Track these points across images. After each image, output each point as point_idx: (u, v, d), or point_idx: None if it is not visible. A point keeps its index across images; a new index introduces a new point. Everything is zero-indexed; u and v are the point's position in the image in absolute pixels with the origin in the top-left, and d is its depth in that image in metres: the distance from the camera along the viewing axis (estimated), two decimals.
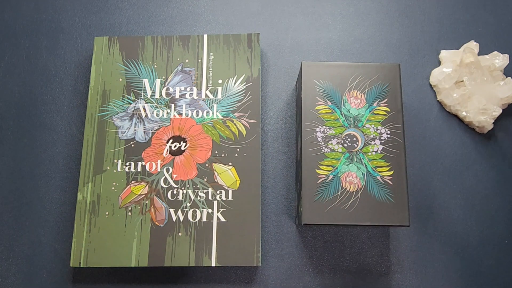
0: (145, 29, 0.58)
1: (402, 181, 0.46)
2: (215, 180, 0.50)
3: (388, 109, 0.48)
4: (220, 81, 0.53)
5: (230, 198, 0.49)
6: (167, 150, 0.51)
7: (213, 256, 0.48)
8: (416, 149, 0.54)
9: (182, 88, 0.53)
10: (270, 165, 0.53)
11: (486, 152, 0.54)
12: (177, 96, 0.53)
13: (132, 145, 0.51)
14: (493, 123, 0.54)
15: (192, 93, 0.53)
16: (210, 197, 0.49)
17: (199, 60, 0.54)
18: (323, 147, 0.47)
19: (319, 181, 0.46)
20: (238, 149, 0.51)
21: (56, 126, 0.55)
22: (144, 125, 0.52)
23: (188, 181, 0.50)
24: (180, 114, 0.52)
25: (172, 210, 0.49)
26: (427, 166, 0.53)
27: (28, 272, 0.50)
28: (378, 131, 0.47)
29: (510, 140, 0.54)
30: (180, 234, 0.48)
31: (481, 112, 0.53)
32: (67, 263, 0.50)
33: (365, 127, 0.47)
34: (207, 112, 0.52)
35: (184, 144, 0.51)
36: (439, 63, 0.57)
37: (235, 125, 0.52)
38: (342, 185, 0.45)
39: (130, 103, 0.53)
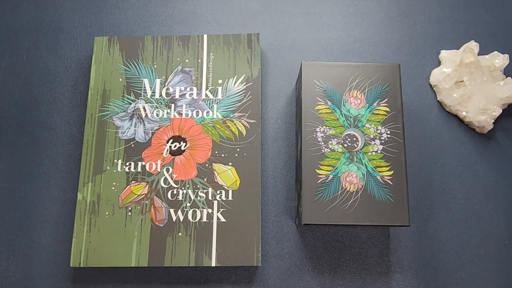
0: (145, 29, 0.58)
1: (402, 181, 0.46)
2: (215, 180, 0.50)
3: (388, 109, 0.48)
4: (220, 81, 0.53)
5: (230, 198, 0.49)
6: (167, 150, 0.51)
7: (213, 256, 0.48)
8: (416, 149, 0.54)
9: (182, 88, 0.53)
10: (270, 165, 0.53)
11: (486, 152, 0.54)
12: (177, 96, 0.53)
13: (132, 145, 0.51)
14: (493, 123, 0.54)
15: (192, 93, 0.53)
16: (210, 197, 0.49)
17: (199, 60, 0.54)
18: (323, 147, 0.47)
19: (319, 181, 0.46)
20: (238, 149, 0.51)
21: (56, 126, 0.55)
22: (144, 125, 0.52)
23: (188, 181, 0.50)
24: (180, 114, 0.52)
25: (172, 210, 0.49)
26: (427, 166, 0.53)
27: (28, 272, 0.50)
28: (378, 131, 0.47)
29: (510, 140, 0.54)
30: (180, 234, 0.48)
31: (481, 112, 0.53)
32: (67, 263, 0.50)
33: (365, 127, 0.47)
34: (207, 112, 0.52)
35: (184, 144, 0.51)
36: (439, 63, 0.57)
37: (235, 125, 0.52)
38: (342, 185, 0.45)
39: (130, 103, 0.53)
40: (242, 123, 0.52)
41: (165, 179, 0.50)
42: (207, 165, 0.50)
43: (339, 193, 0.45)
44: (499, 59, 0.54)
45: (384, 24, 0.58)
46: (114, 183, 0.50)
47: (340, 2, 0.59)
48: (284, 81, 0.56)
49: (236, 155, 0.51)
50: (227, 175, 0.50)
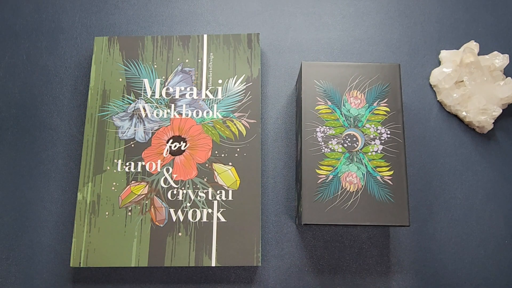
0: (145, 29, 0.58)
1: (402, 181, 0.46)
2: (215, 180, 0.50)
3: (388, 109, 0.48)
4: (220, 81, 0.53)
5: (230, 198, 0.49)
6: (167, 150, 0.51)
7: (213, 256, 0.48)
8: (416, 149, 0.54)
9: (182, 88, 0.53)
10: (270, 165, 0.53)
11: (486, 152, 0.54)
12: (177, 96, 0.53)
13: (132, 145, 0.51)
14: (493, 123, 0.54)
15: (192, 93, 0.53)
16: (210, 197, 0.49)
17: (199, 60, 0.54)
18: (323, 147, 0.47)
19: (319, 181, 0.46)
20: (238, 149, 0.51)
21: (56, 126, 0.55)
22: (144, 125, 0.52)
23: (188, 181, 0.50)
24: (180, 114, 0.52)
25: (172, 210, 0.49)
26: (427, 166, 0.53)
27: (28, 272, 0.50)
28: (378, 131, 0.47)
29: (510, 140, 0.54)
30: (180, 234, 0.48)
31: (481, 112, 0.53)
32: (67, 263, 0.50)
33: (365, 127, 0.47)
34: (207, 112, 0.52)
35: (184, 144, 0.51)
36: (439, 63, 0.57)
37: (235, 125, 0.52)
38: (342, 185, 0.45)
39: (130, 103, 0.53)
40: (242, 123, 0.52)
41: (165, 179, 0.50)
42: (207, 165, 0.50)
43: (339, 193, 0.45)
44: (499, 59, 0.54)
45: (384, 24, 0.58)
46: (114, 183, 0.50)
47: (340, 2, 0.59)
48: (284, 81, 0.56)
49: (236, 155, 0.51)
50: (227, 175, 0.50)
